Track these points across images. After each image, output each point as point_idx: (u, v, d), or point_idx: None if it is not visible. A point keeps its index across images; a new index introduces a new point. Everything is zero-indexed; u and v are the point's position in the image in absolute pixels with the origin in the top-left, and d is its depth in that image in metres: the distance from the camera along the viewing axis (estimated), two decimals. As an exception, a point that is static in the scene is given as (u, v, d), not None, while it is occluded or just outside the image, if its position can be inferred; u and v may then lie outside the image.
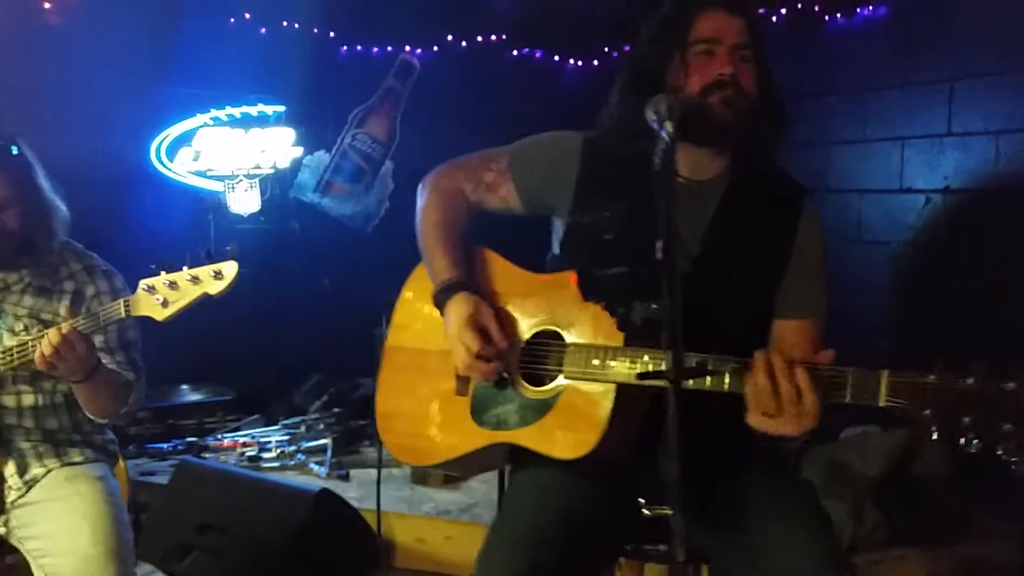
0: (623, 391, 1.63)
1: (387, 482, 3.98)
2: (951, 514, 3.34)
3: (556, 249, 1.96)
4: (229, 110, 4.58)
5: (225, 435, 4.29)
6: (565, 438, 1.68)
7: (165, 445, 4.14)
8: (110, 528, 2.04)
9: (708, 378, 1.50)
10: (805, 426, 1.47)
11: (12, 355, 2.03)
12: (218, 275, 1.90)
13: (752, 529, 1.68)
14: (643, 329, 1.61)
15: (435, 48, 5.14)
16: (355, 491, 3.79)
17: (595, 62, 5.44)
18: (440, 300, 1.86)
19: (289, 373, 4.76)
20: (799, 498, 1.75)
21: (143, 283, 1.96)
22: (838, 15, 4.31)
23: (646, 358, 1.59)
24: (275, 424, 4.45)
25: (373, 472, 4.07)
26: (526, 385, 1.80)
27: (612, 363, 1.63)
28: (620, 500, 1.73)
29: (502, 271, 1.94)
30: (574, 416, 1.68)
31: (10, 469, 2.14)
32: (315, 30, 4.85)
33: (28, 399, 2.16)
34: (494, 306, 1.85)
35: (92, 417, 2.19)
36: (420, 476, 3.94)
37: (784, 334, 1.80)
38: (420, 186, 2.03)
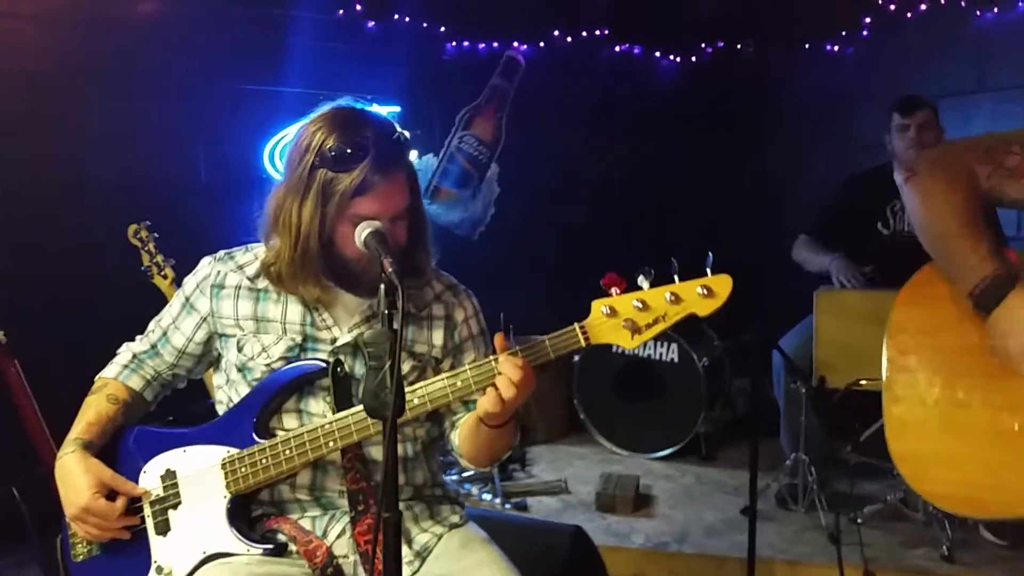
0: None
1: (567, 511, 3.70)
2: None
3: None
4: (345, 111, 4.17)
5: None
6: None
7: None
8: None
9: None
10: None
11: (427, 399, 1.65)
12: (708, 292, 1.59)
13: None
14: None
15: (541, 44, 4.84)
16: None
17: (692, 58, 5.24)
18: (990, 296, 1.55)
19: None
20: None
21: (601, 304, 1.62)
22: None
23: None
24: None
25: (547, 500, 3.81)
26: None
27: None
28: None
29: None
30: None
31: (393, 538, 1.76)
32: (424, 24, 4.49)
33: (397, 449, 1.79)
34: None
35: (474, 466, 1.84)
36: (607, 503, 3.64)
37: None
38: (900, 169, 1.74)
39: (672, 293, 1.59)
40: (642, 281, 1.61)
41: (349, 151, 1.61)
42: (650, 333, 1.61)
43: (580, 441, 4.52)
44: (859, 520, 3.30)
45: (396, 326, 1.38)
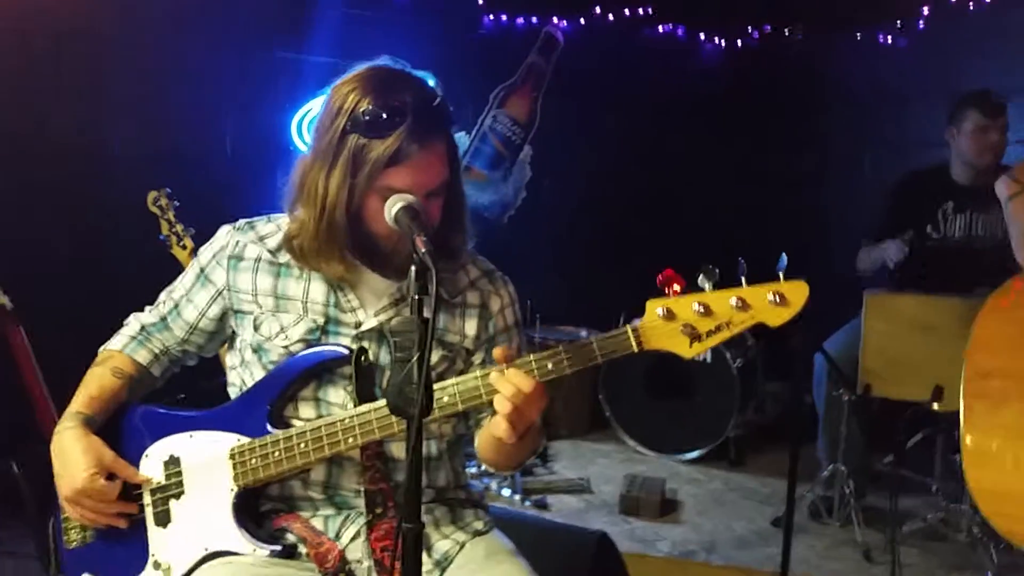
0: None
1: (589, 512, 3.55)
2: None
3: None
4: (376, 82, 4.01)
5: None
6: None
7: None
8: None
9: None
10: None
11: (458, 398, 1.49)
12: (781, 300, 1.40)
13: None
14: None
15: (581, 21, 4.65)
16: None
17: (738, 42, 5.02)
18: None
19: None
20: None
21: (657, 306, 1.44)
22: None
23: None
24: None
25: (568, 499, 3.66)
26: None
27: None
28: None
29: None
30: None
31: (412, 543, 1.61)
32: (460, -5, 4.33)
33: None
34: None
35: (496, 471, 1.69)
36: (631, 506, 3.49)
37: None
38: (1006, 181, 1.56)
39: (739, 298, 1.40)
40: (703, 282, 1.42)
41: (384, 115, 1.44)
42: (711, 342, 1.43)
43: (604, 438, 4.37)
44: (895, 539, 3.13)
45: (427, 314, 1.22)
